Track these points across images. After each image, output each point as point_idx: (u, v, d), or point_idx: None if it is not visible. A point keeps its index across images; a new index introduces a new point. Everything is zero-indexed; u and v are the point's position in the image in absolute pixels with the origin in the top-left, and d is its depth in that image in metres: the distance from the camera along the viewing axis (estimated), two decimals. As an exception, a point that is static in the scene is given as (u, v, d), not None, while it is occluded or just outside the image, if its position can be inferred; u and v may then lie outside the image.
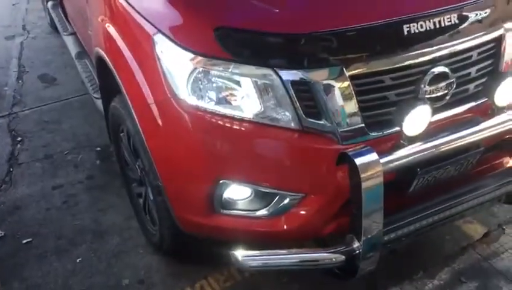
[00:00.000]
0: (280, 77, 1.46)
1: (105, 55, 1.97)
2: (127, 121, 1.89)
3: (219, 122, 1.52)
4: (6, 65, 4.16)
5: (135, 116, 1.74)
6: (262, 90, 1.49)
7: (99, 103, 2.47)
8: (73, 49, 3.28)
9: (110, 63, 1.91)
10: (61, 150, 3.00)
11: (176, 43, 1.53)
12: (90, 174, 2.77)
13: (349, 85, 1.48)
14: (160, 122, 1.63)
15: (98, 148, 2.99)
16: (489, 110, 1.68)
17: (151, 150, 1.71)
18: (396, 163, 1.49)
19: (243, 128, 1.51)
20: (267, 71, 1.46)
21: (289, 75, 1.46)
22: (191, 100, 1.54)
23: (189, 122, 1.55)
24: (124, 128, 2.05)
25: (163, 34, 1.57)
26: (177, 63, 1.54)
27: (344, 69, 1.47)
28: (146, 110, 1.66)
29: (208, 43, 1.47)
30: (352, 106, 1.49)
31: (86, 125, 3.24)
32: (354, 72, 1.48)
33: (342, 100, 1.48)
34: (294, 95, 1.47)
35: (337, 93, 1.47)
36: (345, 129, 1.50)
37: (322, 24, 1.46)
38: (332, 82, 1.47)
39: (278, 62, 1.46)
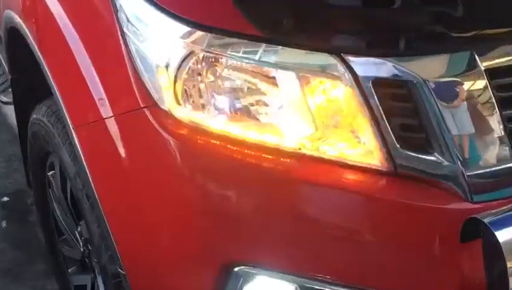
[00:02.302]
0: (353, 71, 1.44)
1: (23, 24, 2.02)
2: (61, 149, 1.90)
3: (234, 154, 1.52)
4: None
5: (77, 142, 1.74)
6: (318, 96, 1.48)
7: (9, 111, 2.50)
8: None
9: (31, 39, 1.95)
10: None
11: (156, 5, 1.53)
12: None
13: (486, 87, 1.46)
14: (123, 153, 1.64)
15: (5, 198, 3.04)
16: None
17: (105, 207, 1.71)
18: None
19: (279, 167, 1.52)
20: (329, 60, 1.45)
21: (370, 67, 1.45)
22: (183, 112, 1.54)
23: (177, 155, 1.56)
24: (56, 161, 2.05)
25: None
26: (159, 44, 1.55)
27: (477, 57, 1.44)
28: (97, 131, 1.68)
29: (218, 8, 1.48)
30: (492, 128, 1.48)
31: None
32: (495, 62, 1.46)
33: (472, 116, 1.46)
34: (379, 105, 1.45)
35: (463, 103, 1.45)
36: (479, 173, 1.47)
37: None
38: (454, 82, 1.45)
39: (350, 44, 1.46)
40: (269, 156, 1.52)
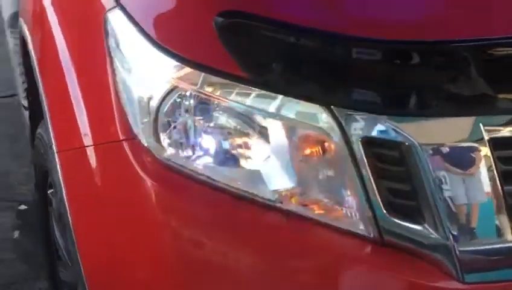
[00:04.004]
0: (342, 127, 1.40)
1: (28, 37, 2.07)
2: (55, 169, 1.89)
3: (212, 201, 1.49)
4: None
5: (58, 166, 1.73)
6: (303, 149, 1.44)
7: (26, 116, 2.59)
8: (8, 9, 3.41)
9: (33, 54, 1.98)
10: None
11: (147, 36, 1.51)
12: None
13: (489, 158, 1.39)
14: (99, 184, 1.64)
15: (22, 206, 3.06)
16: None
17: (78, 238, 1.68)
18: None
19: (258, 220, 1.47)
20: (317, 111, 1.40)
21: (360, 124, 1.39)
22: (161, 150, 1.50)
23: (152, 196, 1.52)
24: (52, 181, 2.07)
25: (125, 12, 1.56)
26: (143, 75, 1.53)
27: (481, 125, 1.39)
28: (77, 158, 1.67)
29: (210, 46, 1.45)
30: (492, 202, 1.39)
31: (11, 153, 3.32)
32: (501, 132, 1.40)
33: (470, 188, 1.40)
34: (367, 165, 1.39)
35: (460, 173, 1.39)
36: (473, 249, 1.40)
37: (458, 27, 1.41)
38: (452, 149, 1.39)
39: (340, 96, 1.40)
40: (249, 207, 1.47)
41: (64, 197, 1.72)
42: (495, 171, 1.40)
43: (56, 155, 1.74)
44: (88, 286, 1.69)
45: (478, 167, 1.41)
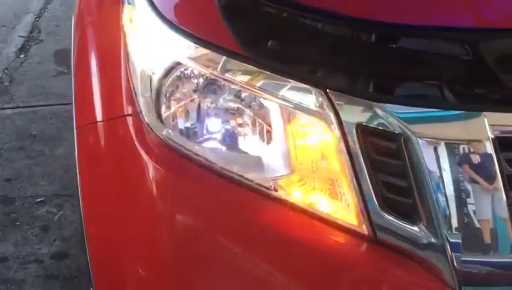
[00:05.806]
0: (337, 113, 1.33)
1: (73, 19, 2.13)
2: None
3: (208, 184, 1.47)
4: (12, 23, 4.42)
5: (75, 141, 1.75)
6: (298, 134, 1.40)
7: None
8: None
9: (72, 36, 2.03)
10: (32, 193, 3.08)
11: (157, 11, 1.50)
12: (62, 251, 2.78)
13: (493, 160, 1.31)
14: (105, 159, 1.65)
15: None
16: None
17: (86, 218, 1.69)
18: None
19: (253, 207, 1.44)
20: (312, 94, 1.35)
21: (356, 110, 1.33)
22: (162, 128, 1.49)
23: (148, 174, 1.52)
24: None
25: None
26: (149, 50, 1.52)
27: (486, 121, 1.30)
28: (90, 134, 1.69)
29: (211, 20, 1.42)
30: (495, 209, 1.32)
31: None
32: (509, 132, 1.31)
33: (472, 192, 1.32)
34: (361, 157, 1.33)
35: (463, 174, 1.31)
36: (472, 260, 1.33)
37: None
38: (455, 147, 1.31)
39: (337, 79, 1.34)
40: (244, 193, 1.45)
41: (77, 171, 1.74)
42: (500, 175, 1.33)
43: (75, 131, 1.77)
44: (89, 251, 1.70)
45: (482, 169, 1.34)
